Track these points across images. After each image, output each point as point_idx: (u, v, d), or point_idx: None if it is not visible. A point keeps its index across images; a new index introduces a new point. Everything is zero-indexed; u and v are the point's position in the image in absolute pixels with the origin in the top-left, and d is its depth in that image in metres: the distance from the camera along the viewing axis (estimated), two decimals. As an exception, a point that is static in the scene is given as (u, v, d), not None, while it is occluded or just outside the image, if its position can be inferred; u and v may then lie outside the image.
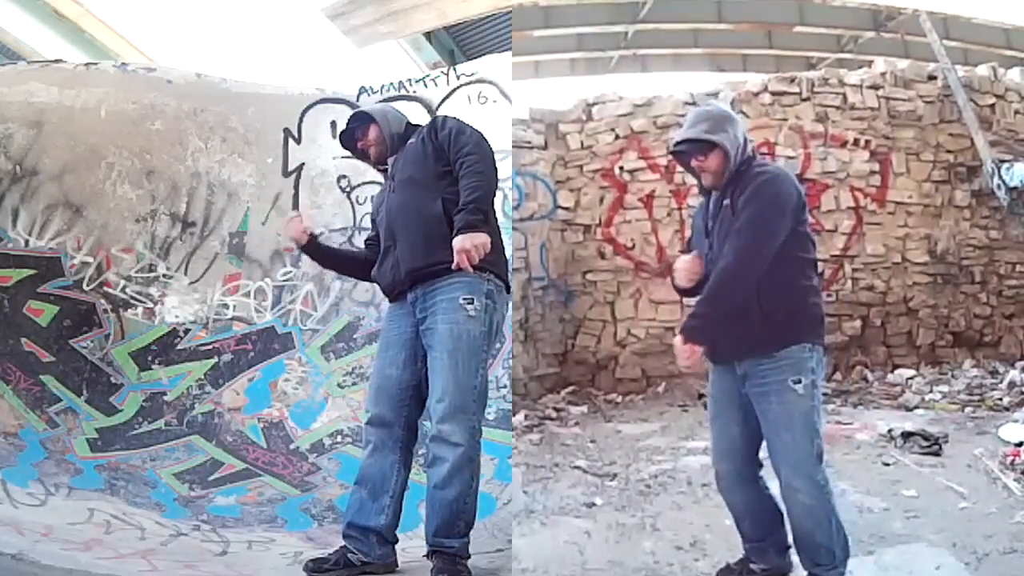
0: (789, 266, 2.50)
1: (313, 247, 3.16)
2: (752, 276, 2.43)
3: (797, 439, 2.43)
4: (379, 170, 3.19)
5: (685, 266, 2.67)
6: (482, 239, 2.63)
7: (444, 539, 2.68)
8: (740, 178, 2.55)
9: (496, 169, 2.81)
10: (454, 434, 2.65)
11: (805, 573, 2.57)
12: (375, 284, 3.10)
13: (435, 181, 2.80)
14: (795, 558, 2.83)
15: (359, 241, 4.63)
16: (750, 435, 2.59)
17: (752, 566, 2.70)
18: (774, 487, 2.61)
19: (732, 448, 2.63)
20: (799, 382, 2.43)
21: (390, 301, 2.99)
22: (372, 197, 3.70)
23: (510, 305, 4.65)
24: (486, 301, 2.74)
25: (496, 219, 2.89)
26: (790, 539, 2.69)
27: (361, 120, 3.12)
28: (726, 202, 2.56)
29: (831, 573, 2.48)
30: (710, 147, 2.57)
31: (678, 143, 2.66)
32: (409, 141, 2.98)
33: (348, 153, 3.25)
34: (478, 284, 2.72)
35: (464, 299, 2.70)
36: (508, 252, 4.74)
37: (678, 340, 2.43)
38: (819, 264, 2.70)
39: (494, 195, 2.82)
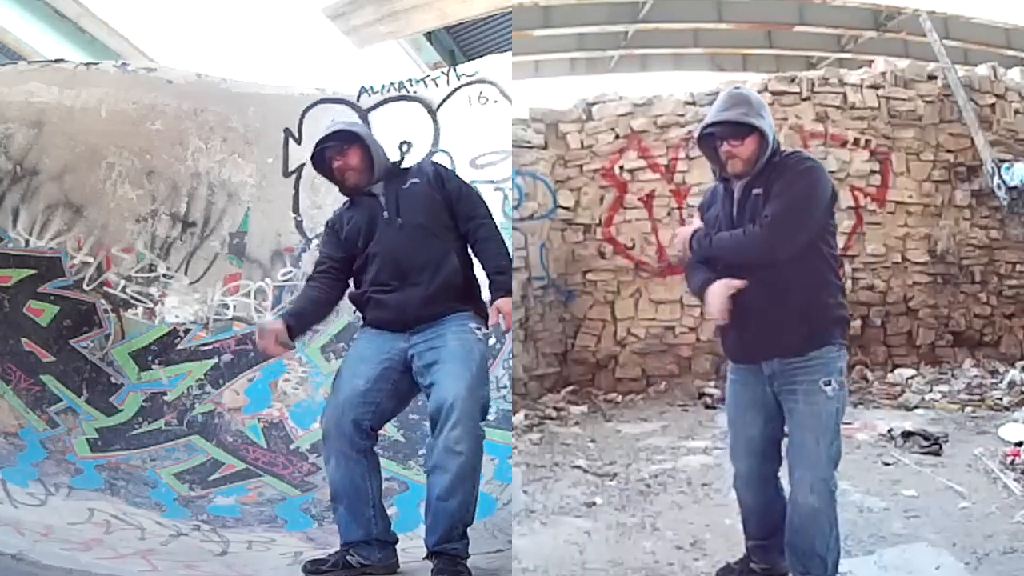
0: (820, 262, 2.46)
1: (294, 338, 2.95)
2: (779, 255, 2.37)
3: (819, 441, 2.40)
4: (350, 196, 3.01)
5: (686, 234, 2.62)
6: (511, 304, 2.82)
7: (445, 544, 2.67)
8: (775, 167, 2.46)
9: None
10: (460, 442, 2.63)
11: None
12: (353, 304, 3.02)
13: (445, 232, 2.89)
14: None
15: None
16: (770, 437, 2.56)
17: (753, 565, 2.69)
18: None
19: (750, 449, 2.60)
20: (829, 384, 2.40)
21: (377, 328, 2.90)
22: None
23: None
24: (486, 332, 2.87)
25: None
26: None
27: (342, 140, 2.94)
28: (756, 191, 2.46)
29: None
30: (746, 132, 2.45)
31: (712, 124, 2.49)
32: (412, 182, 2.93)
33: (337, 187, 3.12)
34: (479, 320, 2.87)
35: (472, 325, 2.83)
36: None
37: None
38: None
39: None
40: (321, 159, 3.00)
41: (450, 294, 2.82)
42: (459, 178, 3.08)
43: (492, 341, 4.52)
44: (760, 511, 2.64)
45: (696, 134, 2.62)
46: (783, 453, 2.55)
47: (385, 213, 2.89)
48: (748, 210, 2.48)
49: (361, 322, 3.06)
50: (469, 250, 2.95)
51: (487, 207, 3.01)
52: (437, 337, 2.78)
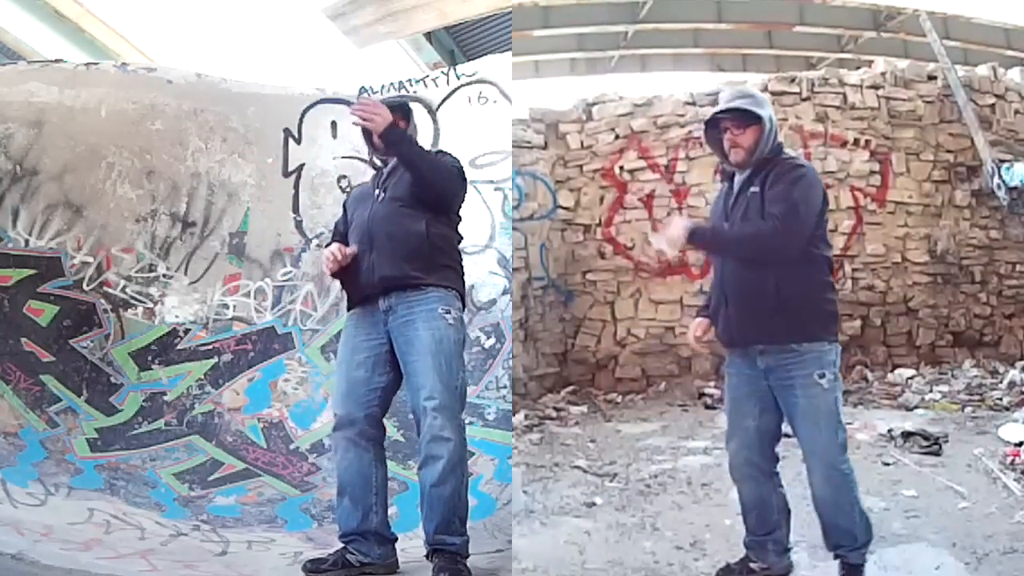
0: (808, 262, 2.57)
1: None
2: (788, 253, 2.50)
3: (823, 431, 2.51)
4: (374, 166, 3.20)
5: (672, 228, 2.66)
6: (381, 114, 2.84)
7: (445, 536, 2.69)
8: (770, 166, 2.59)
9: (450, 181, 3.00)
10: (445, 429, 2.71)
11: (805, 573, 2.62)
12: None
13: (421, 206, 2.93)
14: (795, 558, 2.84)
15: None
16: (765, 430, 2.65)
17: (752, 565, 2.71)
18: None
19: (747, 440, 2.68)
20: (823, 376, 2.51)
21: (355, 305, 3.01)
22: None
23: (509, 305, 4.69)
24: (459, 314, 2.93)
25: (459, 241, 3.07)
26: (791, 540, 2.73)
27: (402, 109, 3.11)
28: (753, 189, 2.60)
29: (852, 554, 2.57)
30: (748, 122, 2.61)
31: (718, 113, 2.68)
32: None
33: (348, 153, 3.24)
34: (451, 299, 2.91)
35: (442, 309, 2.86)
36: (508, 252, 4.78)
37: (676, 227, 2.57)
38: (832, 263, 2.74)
39: (443, 197, 2.97)
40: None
41: (415, 261, 2.86)
42: (450, 156, 3.15)
43: (492, 341, 4.53)
44: (757, 504, 2.70)
45: (703, 124, 2.79)
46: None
47: (376, 189, 3.04)
48: (742, 205, 2.62)
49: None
50: (447, 226, 3.02)
51: (453, 166, 3.07)
52: (408, 323, 2.83)
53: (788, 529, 2.73)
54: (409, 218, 2.90)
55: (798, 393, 2.52)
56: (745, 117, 2.61)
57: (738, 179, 2.69)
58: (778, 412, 2.62)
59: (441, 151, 3.31)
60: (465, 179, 3.13)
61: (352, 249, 2.96)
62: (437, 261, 2.93)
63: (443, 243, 2.97)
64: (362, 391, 2.88)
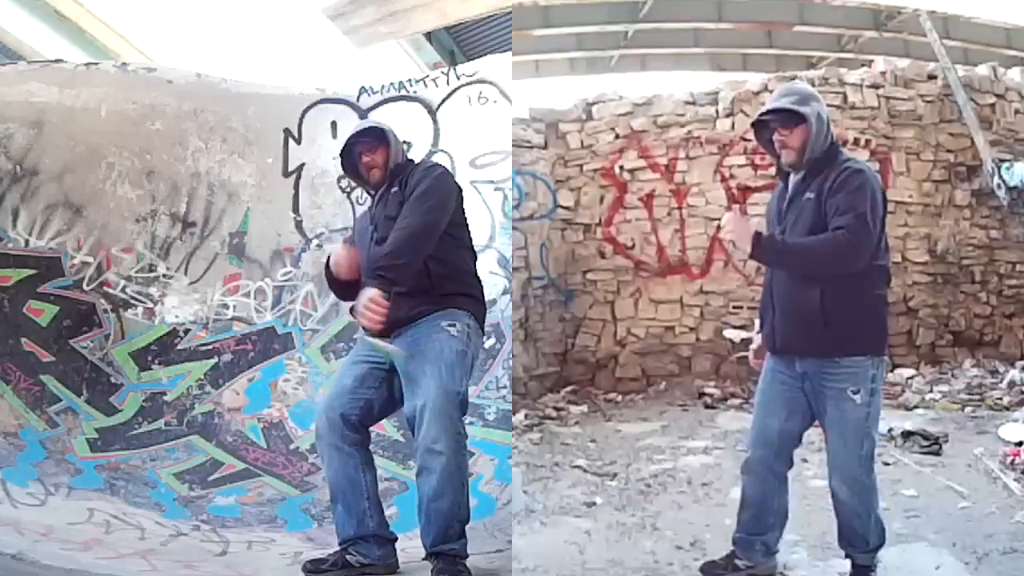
0: (863, 275, 2.50)
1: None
2: (855, 267, 2.44)
3: (848, 444, 2.53)
4: (370, 194, 3.06)
5: (736, 227, 2.54)
6: (376, 298, 2.60)
7: (442, 544, 2.68)
8: (827, 170, 2.52)
9: (428, 229, 2.75)
10: (438, 441, 2.61)
11: (805, 573, 2.65)
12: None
13: None
14: (795, 558, 2.85)
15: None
16: (788, 434, 2.65)
17: (737, 562, 2.72)
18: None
19: (767, 439, 2.68)
20: (857, 392, 2.49)
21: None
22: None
23: (509, 305, 4.69)
24: (466, 328, 2.82)
25: (474, 262, 2.95)
26: (779, 544, 2.75)
27: (375, 139, 2.97)
28: (809, 195, 2.53)
29: (862, 556, 2.61)
30: (795, 121, 2.54)
31: (764, 114, 2.63)
32: (394, 190, 2.90)
33: (356, 184, 3.12)
34: (459, 315, 2.82)
35: (447, 323, 2.77)
36: (508, 252, 4.78)
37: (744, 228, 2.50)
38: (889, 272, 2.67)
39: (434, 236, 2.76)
40: (348, 153, 3.02)
41: (418, 297, 2.75)
42: (425, 176, 2.88)
43: (492, 341, 4.53)
44: (758, 503, 2.70)
45: (751, 126, 2.75)
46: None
47: (370, 226, 2.93)
48: (796, 210, 2.57)
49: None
50: (451, 249, 2.87)
51: (434, 200, 2.81)
52: (412, 343, 2.75)
53: (780, 534, 2.74)
54: None
55: (830, 405, 2.53)
56: (791, 117, 2.54)
57: (793, 180, 2.63)
58: (806, 418, 2.63)
59: (433, 164, 3.17)
60: (452, 192, 2.92)
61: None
62: (441, 291, 2.81)
63: (445, 270, 2.82)
64: (345, 398, 2.82)
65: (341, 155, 3.04)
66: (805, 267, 2.53)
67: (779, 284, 2.63)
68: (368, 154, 2.97)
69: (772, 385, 2.69)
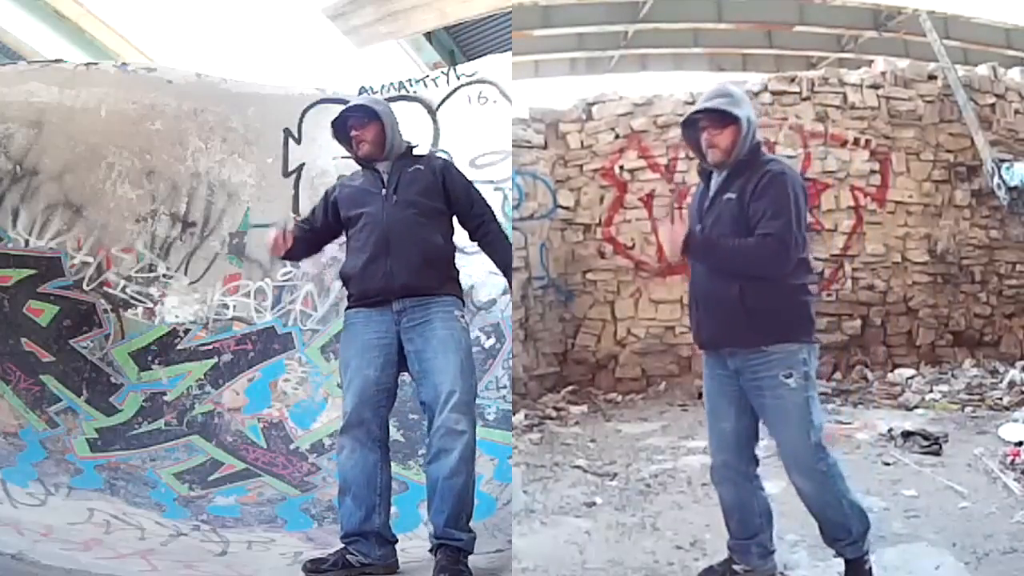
0: None
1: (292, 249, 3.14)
2: (785, 270, 2.47)
3: (793, 431, 2.49)
4: (361, 165, 3.20)
5: (669, 235, 2.60)
6: None
7: (453, 531, 2.70)
8: (748, 171, 2.55)
9: None
10: (461, 422, 2.76)
11: (805, 573, 2.62)
12: (342, 281, 3.18)
13: (435, 215, 3.06)
14: (795, 558, 2.84)
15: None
16: (742, 432, 2.63)
17: (735, 567, 2.71)
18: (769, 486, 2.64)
19: (723, 443, 2.67)
20: (790, 376, 2.47)
21: (364, 304, 3.01)
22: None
23: (509, 305, 4.69)
24: (467, 321, 3.06)
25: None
26: (774, 543, 2.72)
27: (364, 114, 3.13)
28: (729, 195, 2.56)
29: (849, 548, 2.54)
30: (726, 122, 2.56)
31: (695, 113, 2.64)
32: (416, 167, 3.11)
33: (349, 154, 3.25)
34: (460, 305, 3.05)
35: (457, 312, 2.99)
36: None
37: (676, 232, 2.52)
38: (816, 263, 2.70)
39: None
40: (342, 125, 3.19)
41: (432, 271, 2.97)
42: (465, 177, 3.26)
43: (492, 341, 4.53)
44: (737, 508, 2.69)
45: (680, 124, 2.75)
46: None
47: (384, 189, 3.05)
48: (716, 210, 2.60)
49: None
50: (453, 238, 3.14)
51: (490, 207, 3.23)
52: (425, 323, 2.90)
53: (771, 532, 2.71)
54: (426, 228, 2.99)
55: (766, 394, 2.50)
56: (723, 117, 2.56)
57: (715, 181, 2.65)
58: (754, 414, 2.60)
59: (460, 172, 3.34)
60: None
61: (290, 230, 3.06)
62: (449, 273, 3.06)
63: (453, 255, 3.11)
64: (372, 391, 2.90)
65: (333, 124, 3.23)
66: (733, 266, 2.54)
67: (700, 279, 2.64)
68: (358, 128, 3.13)
69: (713, 388, 2.68)
